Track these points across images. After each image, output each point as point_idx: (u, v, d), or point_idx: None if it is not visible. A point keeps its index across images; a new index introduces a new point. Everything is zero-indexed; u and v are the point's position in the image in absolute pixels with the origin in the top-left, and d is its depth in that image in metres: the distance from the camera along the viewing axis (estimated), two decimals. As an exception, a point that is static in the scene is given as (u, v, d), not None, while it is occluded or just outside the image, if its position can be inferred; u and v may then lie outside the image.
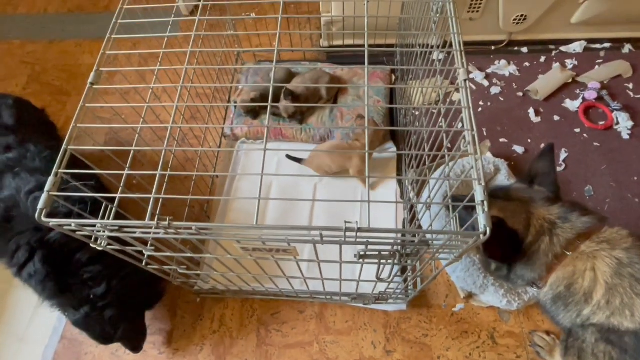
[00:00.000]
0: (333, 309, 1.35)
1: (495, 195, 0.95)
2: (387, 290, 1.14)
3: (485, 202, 0.62)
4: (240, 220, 1.49)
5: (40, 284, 1.05)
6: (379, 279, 0.83)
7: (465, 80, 0.76)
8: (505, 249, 0.88)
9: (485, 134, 1.65)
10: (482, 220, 0.61)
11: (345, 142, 1.49)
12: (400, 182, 1.52)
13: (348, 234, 0.61)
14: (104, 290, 1.08)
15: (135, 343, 1.21)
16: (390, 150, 1.59)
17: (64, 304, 1.09)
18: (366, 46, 0.84)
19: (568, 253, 0.83)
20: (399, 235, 0.67)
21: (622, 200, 1.49)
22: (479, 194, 0.63)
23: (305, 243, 0.67)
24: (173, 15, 0.99)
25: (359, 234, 0.63)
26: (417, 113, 1.67)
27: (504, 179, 1.39)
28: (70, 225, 0.68)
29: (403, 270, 1.23)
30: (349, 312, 1.35)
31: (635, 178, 1.53)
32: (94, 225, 0.70)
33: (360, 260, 0.69)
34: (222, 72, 1.67)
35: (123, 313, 1.12)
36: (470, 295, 1.30)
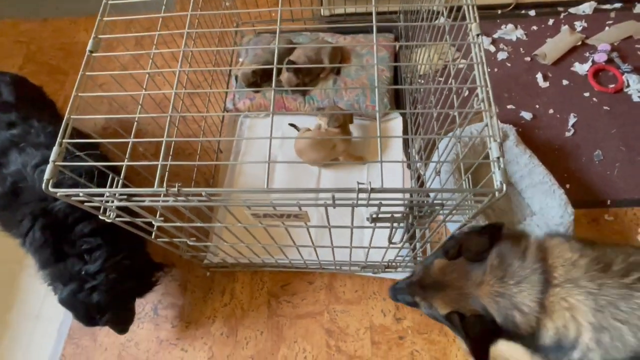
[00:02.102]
0: (342, 279, 1.36)
1: (421, 285, 0.84)
2: (397, 258, 1.14)
3: (501, 159, 0.61)
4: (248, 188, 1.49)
5: (37, 251, 1.06)
6: (390, 243, 0.82)
7: (478, 35, 0.73)
8: (485, 341, 0.77)
9: (506, 95, 1.62)
10: (498, 176, 0.60)
11: (322, 130, 1.45)
12: (407, 152, 1.51)
13: (361, 195, 0.60)
14: (96, 268, 1.06)
15: (121, 326, 1.19)
16: (395, 119, 1.57)
17: (54, 276, 1.08)
18: (374, 12, 0.79)
19: (541, 316, 0.74)
20: (413, 195, 0.66)
21: (633, 163, 1.47)
22: (494, 150, 0.61)
23: (317, 206, 0.66)
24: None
25: (372, 195, 0.61)
26: (422, 81, 1.64)
27: (512, 145, 1.37)
28: (78, 195, 0.67)
29: (412, 236, 1.23)
30: (358, 281, 1.36)
31: (646, 141, 1.51)
32: (102, 195, 0.69)
33: (373, 224, 0.68)
34: (222, 41, 1.63)
35: (111, 299, 1.08)
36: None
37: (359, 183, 0.59)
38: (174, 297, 1.40)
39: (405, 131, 1.51)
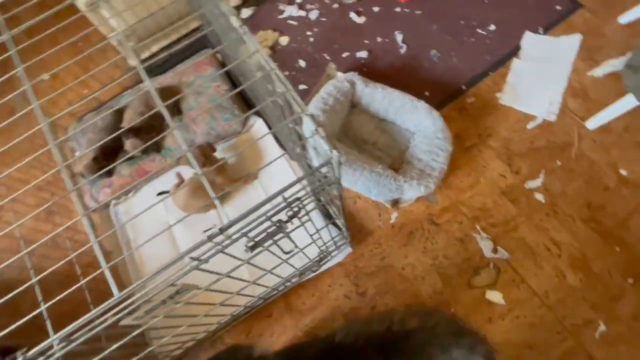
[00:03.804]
0: (294, 293, 1.32)
1: None
2: (327, 247, 1.13)
3: (320, 130, 0.60)
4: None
5: None
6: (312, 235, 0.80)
7: (240, 26, 0.71)
8: None
9: (328, 57, 1.65)
10: (324, 146, 0.58)
11: (201, 177, 1.36)
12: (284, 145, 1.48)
13: (216, 240, 0.55)
14: None
15: None
16: (255, 122, 1.53)
17: None
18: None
19: None
20: (275, 204, 0.62)
21: (462, 45, 1.60)
22: (308, 125, 0.60)
23: (185, 270, 0.60)
24: None
25: (230, 230, 0.57)
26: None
27: (363, 87, 1.40)
28: None
29: (328, 216, 1.22)
30: (309, 286, 1.33)
31: (462, 22, 1.65)
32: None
33: (252, 253, 0.64)
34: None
35: None
36: (395, 202, 1.34)
37: (204, 232, 0.54)
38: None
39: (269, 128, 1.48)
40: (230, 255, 0.63)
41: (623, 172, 1.36)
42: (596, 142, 1.41)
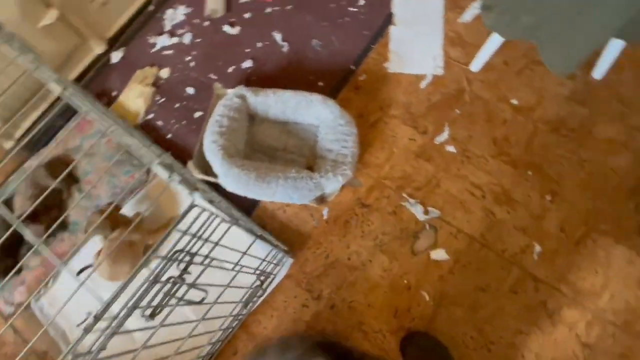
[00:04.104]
0: (253, 321, 1.28)
1: None
2: (263, 269, 1.10)
3: (174, 175, 0.56)
4: None
5: None
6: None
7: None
8: None
9: (214, 77, 1.60)
10: (183, 190, 0.55)
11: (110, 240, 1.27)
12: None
13: (95, 328, 0.51)
14: None
15: None
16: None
17: None
18: None
19: None
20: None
21: (340, 28, 1.62)
22: (161, 173, 0.56)
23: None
24: None
25: (114, 309, 0.52)
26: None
27: (254, 97, 1.37)
28: None
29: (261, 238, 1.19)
30: (265, 308, 1.29)
31: (332, 5, 1.66)
32: None
33: (153, 319, 0.60)
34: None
35: None
36: (322, 199, 1.34)
37: (78, 325, 0.49)
38: None
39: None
40: (129, 331, 0.59)
41: (514, 101, 1.45)
42: (484, 82, 1.49)
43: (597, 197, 1.31)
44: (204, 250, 0.64)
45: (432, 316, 1.23)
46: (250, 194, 1.27)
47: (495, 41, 1.37)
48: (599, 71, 1.43)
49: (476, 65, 1.49)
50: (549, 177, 1.34)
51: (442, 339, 1.20)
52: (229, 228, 0.70)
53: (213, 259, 0.69)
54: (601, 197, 1.30)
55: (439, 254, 1.29)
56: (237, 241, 0.92)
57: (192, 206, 0.55)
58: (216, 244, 0.68)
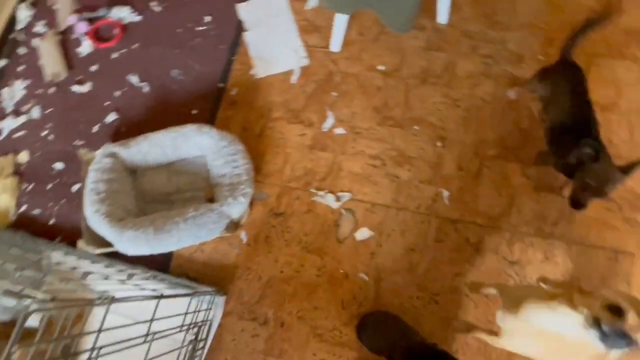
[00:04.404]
0: (209, 373, 1.21)
1: None
2: (194, 319, 1.03)
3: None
4: None
5: None
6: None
7: None
8: None
9: (80, 142, 1.47)
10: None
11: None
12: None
13: None
14: None
15: None
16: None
17: None
18: None
19: None
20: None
21: (194, 50, 1.56)
22: None
23: None
24: None
25: None
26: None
27: (126, 150, 1.28)
28: None
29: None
30: (217, 354, 1.22)
31: (179, 30, 1.60)
32: None
33: None
34: None
35: None
36: (234, 225, 1.28)
37: None
38: None
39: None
40: None
41: (381, 67, 1.50)
42: (348, 58, 1.53)
43: (479, 128, 1.40)
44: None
45: (376, 293, 1.25)
46: (156, 250, 1.18)
47: (341, 18, 1.40)
48: (442, 16, 1.53)
49: (335, 45, 1.52)
50: (433, 126, 1.41)
51: (392, 310, 1.22)
52: (107, 309, 0.63)
53: (101, 347, 0.62)
54: (481, 126, 1.40)
55: (363, 233, 1.31)
56: (146, 310, 0.85)
57: (28, 314, 0.48)
58: (99, 331, 0.61)
